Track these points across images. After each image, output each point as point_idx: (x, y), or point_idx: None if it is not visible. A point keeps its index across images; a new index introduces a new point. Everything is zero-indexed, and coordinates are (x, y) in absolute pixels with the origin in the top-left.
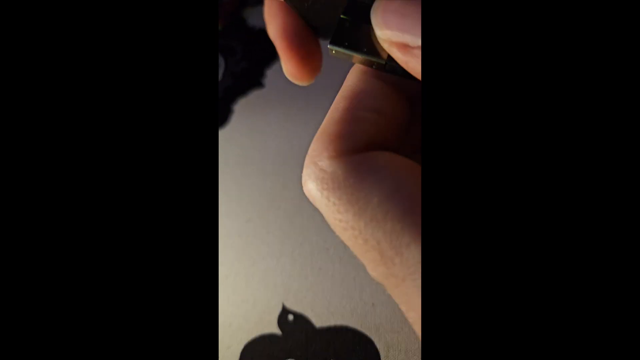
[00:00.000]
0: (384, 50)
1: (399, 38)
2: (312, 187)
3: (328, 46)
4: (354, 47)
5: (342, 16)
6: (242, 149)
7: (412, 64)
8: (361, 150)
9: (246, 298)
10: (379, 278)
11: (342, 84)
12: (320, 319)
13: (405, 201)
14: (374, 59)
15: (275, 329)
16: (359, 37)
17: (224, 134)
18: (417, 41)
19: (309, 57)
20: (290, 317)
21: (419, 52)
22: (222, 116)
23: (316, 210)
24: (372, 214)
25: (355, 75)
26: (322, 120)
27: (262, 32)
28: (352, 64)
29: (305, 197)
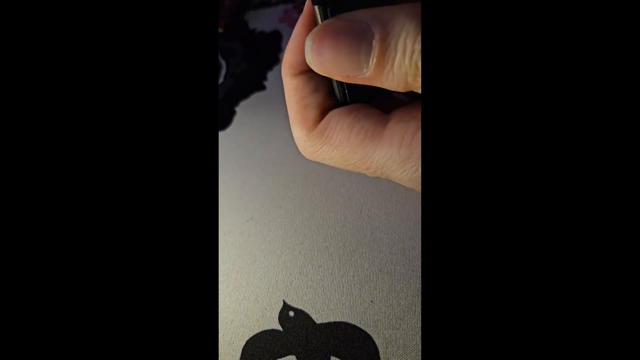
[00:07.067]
0: None
1: (340, 75)
2: (307, 154)
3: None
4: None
5: None
6: (244, 150)
7: (364, 83)
8: (317, 120)
9: (247, 295)
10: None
11: None
12: (320, 315)
13: (363, 131)
14: None
15: (276, 325)
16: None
17: (226, 135)
18: (357, 72)
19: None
20: (291, 313)
21: (360, 78)
22: (225, 118)
23: (316, 209)
24: (348, 150)
25: (284, 78)
26: None
27: (263, 35)
28: None
29: (306, 196)
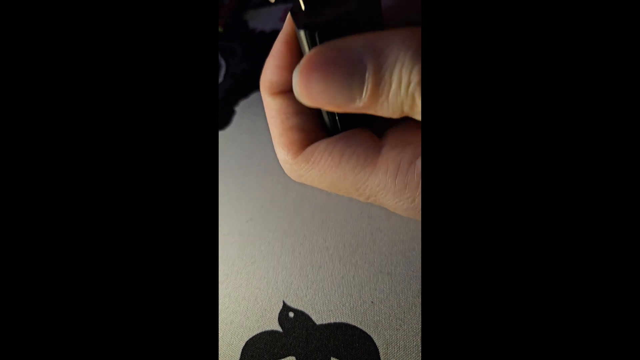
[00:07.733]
0: None
1: (331, 106)
2: (294, 177)
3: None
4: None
5: None
6: (244, 150)
7: (357, 112)
8: (303, 144)
9: (247, 296)
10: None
11: None
12: (320, 316)
13: (350, 160)
14: None
15: (276, 326)
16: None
17: (225, 135)
18: (349, 103)
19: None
20: (291, 314)
21: (353, 108)
22: (224, 117)
23: (316, 209)
24: (338, 176)
25: (264, 97)
26: None
27: (263, 35)
28: None
29: (306, 197)
